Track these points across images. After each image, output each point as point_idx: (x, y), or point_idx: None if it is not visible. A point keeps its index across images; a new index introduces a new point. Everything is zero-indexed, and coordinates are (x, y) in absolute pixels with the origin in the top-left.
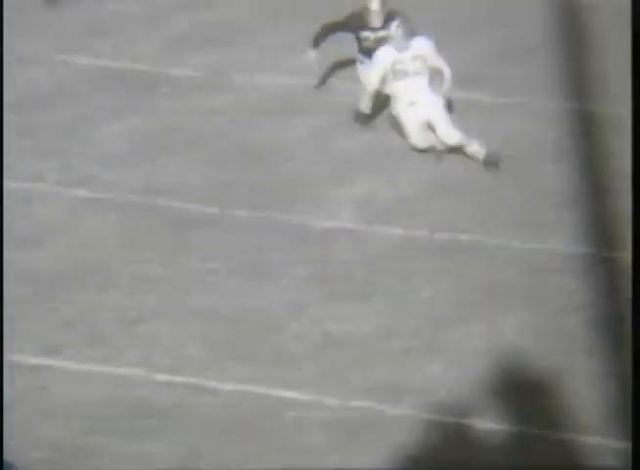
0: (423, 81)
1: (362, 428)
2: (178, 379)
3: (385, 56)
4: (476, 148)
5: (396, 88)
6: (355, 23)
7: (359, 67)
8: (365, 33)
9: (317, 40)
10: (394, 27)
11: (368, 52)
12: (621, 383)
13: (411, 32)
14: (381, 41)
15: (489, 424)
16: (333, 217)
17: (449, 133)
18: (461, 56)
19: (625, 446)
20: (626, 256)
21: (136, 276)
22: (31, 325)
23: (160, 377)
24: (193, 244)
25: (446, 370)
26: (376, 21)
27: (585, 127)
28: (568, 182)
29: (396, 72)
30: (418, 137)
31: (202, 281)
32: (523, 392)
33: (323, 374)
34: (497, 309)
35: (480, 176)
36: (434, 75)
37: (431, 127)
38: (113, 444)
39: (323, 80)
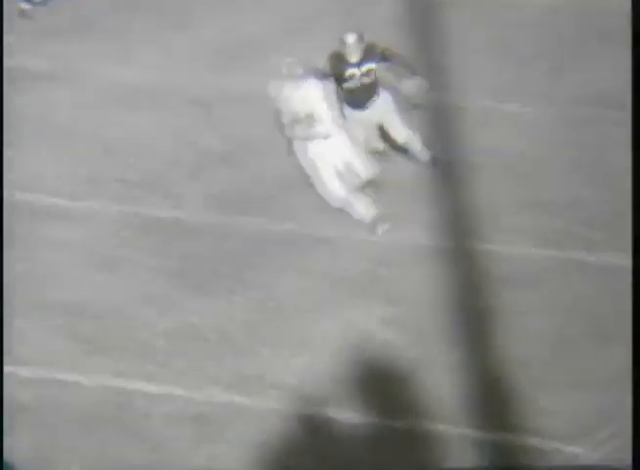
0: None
1: (227, 422)
2: (41, 373)
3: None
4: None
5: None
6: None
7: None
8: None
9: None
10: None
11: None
12: (477, 374)
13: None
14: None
15: (351, 416)
16: (195, 212)
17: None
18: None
19: (481, 435)
20: (486, 247)
21: None
22: None
23: (23, 371)
24: (57, 238)
25: (310, 364)
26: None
27: (444, 121)
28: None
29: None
30: (330, 190)
31: (66, 276)
32: (383, 384)
33: (188, 369)
34: (358, 303)
35: None
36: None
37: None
38: None
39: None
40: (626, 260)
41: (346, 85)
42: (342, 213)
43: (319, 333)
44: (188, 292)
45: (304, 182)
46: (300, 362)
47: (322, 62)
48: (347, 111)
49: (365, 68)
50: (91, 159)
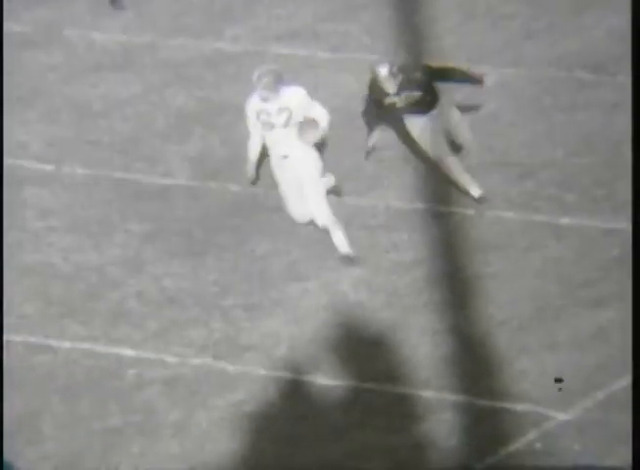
0: (290, 134)
1: (202, 385)
2: (15, 337)
3: (248, 106)
4: (339, 237)
5: (267, 140)
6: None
7: (410, 122)
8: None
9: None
10: (258, 77)
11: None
12: (455, 337)
13: (280, 82)
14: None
15: (327, 380)
16: (168, 174)
17: (317, 213)
18: (300, 11)
19: (460, 398)
20: (458, 210)
21: None
22: None
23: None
24: (28, 201)
25: (284, 326)
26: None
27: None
28: None
29: (264, 124)
30: (295, 207)
31: (38, 239)
32: (360, 347)
33: (162, 331)
34: (332, 266)
35: None
36: (307, 124)
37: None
38: None
39: (370, 151)
40: (599, 222)
41: (397, 107)
42: None
43: (293, 295)
44: (160, 254)
45: None
46: (274, 324)
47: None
48: (407, 119)
49: (404, 96)
50: (65, 122)
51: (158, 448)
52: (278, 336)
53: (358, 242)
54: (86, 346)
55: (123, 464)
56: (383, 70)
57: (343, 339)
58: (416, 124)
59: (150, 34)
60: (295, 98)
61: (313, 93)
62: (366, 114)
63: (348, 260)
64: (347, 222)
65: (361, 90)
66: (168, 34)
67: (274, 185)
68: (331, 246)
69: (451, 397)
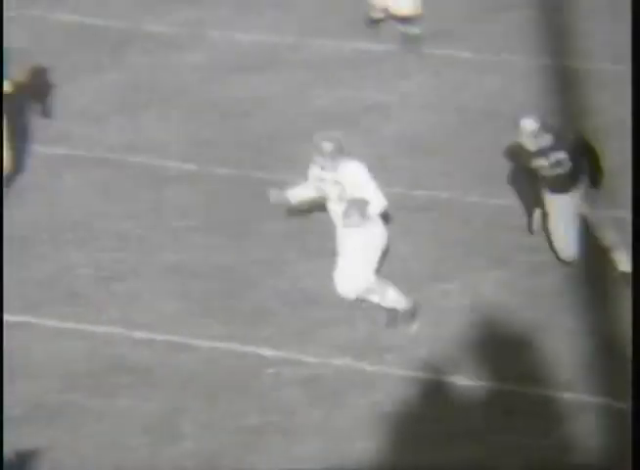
0: (338, 211)
1: (341, 385)
2: (156, 336)
3: (312, 167)
4: (392, 295)
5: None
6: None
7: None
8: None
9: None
10: (318, 142)
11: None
12: (596, 339)
13: (340, 151)
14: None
15: (467, 381)
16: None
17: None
18: (441, 11)
19: (600, 400)
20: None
21: (113, 233)
22: (8, 283)
23: (138, 334)
24: (170, 201)
25: (425, 327)
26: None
27: (564, 84)
28: None
29: (318, 190)
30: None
31: (179, 238)
32: (500, 349)
33: (302, 331)
34: (474, 267)
35: (452, 133)
36: (355, 206)
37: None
38: (91, 401)
39: (533, 227)
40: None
41: (542, 173)
42: None
43: (434, 296)
44: (300, 254)
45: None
46: (415, 325)
47: None
48: (548, 195)
49: (554, 158)
50: (207, 122)
51: (296, 449)
52: (419, 337)
53: (501, 243)
54: (226, 345)
55: (262, 464)
56: (529, 124)
57: (484, 340)
58: (558, 205)
59: (292, 34)
60: (350, 175)
61: (454, 94)
62: (520, 194)
63: (410, 316)
64: (489, 223)
65: (503, 91)
66: (310, 34)
67: (412, 183)
68: (474, 247)
69: (591, 399)
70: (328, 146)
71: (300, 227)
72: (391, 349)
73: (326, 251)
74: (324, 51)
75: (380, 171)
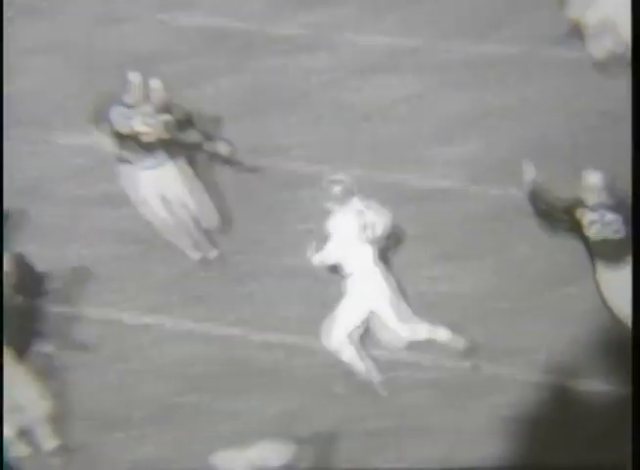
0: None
1: (464, 388)
2: (276, 338)
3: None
4: (445, 335)
5: None
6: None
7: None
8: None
9: None
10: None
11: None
12: None
13: (350, 194)
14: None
15: (590, 385)
16: (438, 177)
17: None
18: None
19: None
20: None
21: (238, 235)
22: (129, 285)
23: (259, 337)
24: (293, 204)
25: (547, 331)
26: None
27: None
28: None
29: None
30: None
31: (299, 242)
32: (622, 353)
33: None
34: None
35: (575, 135)
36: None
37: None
38: (210, 402)
39: None
40: None
41: (590, 233)
42: None
43: (555, 299)
44: (422, 257)
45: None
46: (537, 329)
47: None
48: (600, 267)
49: (607, 218)
50: (328, 125)
51: (421, 451)
52: (541, 340)
53: None
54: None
55: (385, 465)
56: (594, 176)
57: (607, 344)
58: (611, 280)
59: (415, 37)
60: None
61: (576, 98)
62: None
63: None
64: None
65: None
66: (433, 37)
67: None
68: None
69: None
70: (336, 188)
71: (426, 229)
72: (514, 351)
73: (446, 254)
74: (449, 54)
75: (502, 174)
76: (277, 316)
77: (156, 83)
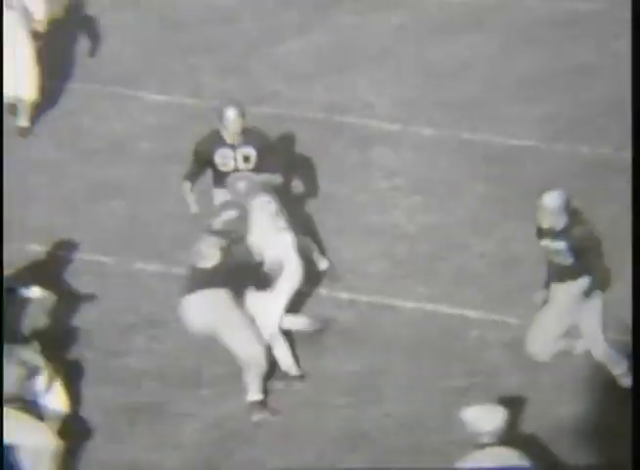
0: None
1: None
2: (360, 297)
3: None
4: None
5: None
6: None
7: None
8: None
9: None
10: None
11: None
12: None
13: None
14: None
15: None
16: (514, 136)
17: None
18: None
19: None
20: None
21: (319, 193)
22: None
23: (342, 295)
24: (374, 161)
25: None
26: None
27: None
28: None
29: None
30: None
31: (384, 199)
32: None
33: (505, 294)
34: None
35: None
36: None
37: None
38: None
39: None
40: None
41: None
42: None
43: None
44: (505, 215)
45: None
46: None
47: None
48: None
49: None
50: (413, 82)
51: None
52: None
53: None
54: (429, 307)
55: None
56: (556, 199)
57: None
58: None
59: None
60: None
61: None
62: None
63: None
64: None
65: None
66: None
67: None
68: None
69: None
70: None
71: (505, 189)
72: None
73: (529, 214)
74: (532, 11)
75: (584, 133)
76: (360, 274)
77: (232, 112)
